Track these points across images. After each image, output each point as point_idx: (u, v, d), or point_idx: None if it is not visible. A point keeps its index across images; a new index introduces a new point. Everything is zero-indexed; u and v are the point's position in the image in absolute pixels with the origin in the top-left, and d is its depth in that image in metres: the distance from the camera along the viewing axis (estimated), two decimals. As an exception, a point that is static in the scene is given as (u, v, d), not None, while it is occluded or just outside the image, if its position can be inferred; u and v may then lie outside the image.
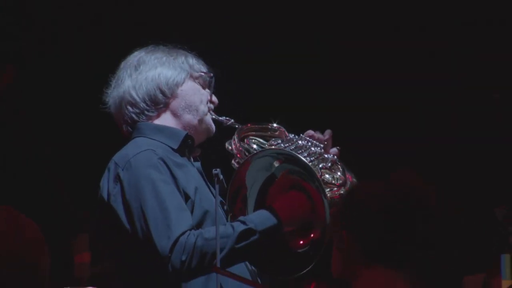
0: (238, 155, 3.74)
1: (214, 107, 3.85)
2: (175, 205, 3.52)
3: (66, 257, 5.56)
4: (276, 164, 3.68)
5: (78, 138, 5.67)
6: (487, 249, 5.01)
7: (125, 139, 3.75)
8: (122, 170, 3.59)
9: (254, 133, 3.80)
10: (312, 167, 3.64)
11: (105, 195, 3.62)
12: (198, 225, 3.58)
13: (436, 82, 6.21)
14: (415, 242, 2.66)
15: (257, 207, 3.68)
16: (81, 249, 5.52)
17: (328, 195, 3.62)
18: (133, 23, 3.87)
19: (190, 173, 3.69)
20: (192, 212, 3.60)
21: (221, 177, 3.55)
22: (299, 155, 3.64)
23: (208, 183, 3.75)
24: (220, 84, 3.87)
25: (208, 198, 3.69)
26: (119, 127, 3.80)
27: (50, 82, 5.96)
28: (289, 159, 3.65)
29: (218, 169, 3.54)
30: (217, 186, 3.48)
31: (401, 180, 2.70)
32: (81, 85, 5.44)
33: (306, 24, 6.27)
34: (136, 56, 3.81)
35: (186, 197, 3.61)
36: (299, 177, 3.64)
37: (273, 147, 3.71)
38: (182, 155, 3.72)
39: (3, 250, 2.63)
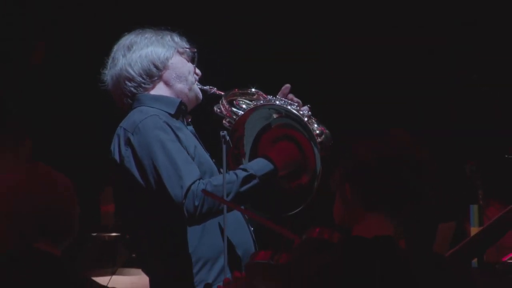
0: (228, 115, 3.79)
1: (198, 79, 3.91)
2: (183, 159, 3.57)
3: (94, 206, 5.58)
4: (274, 116, 3.74)
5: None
6: (458, 200, 5.02)
7: (123, 111, 3.80)
8: (132, 134, 3.62)
9: (238, 97, 3.85)
10: (309, 125, 3.70)
11: (117, 158, 3.66)
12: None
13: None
14: (408, 192, 2.68)
15: (252, 152, 3.76)
16: (107, 200, 5.53)
17: None
18: (133, 23, 3.87)
19: (188, 135, 3.74)
20: None
21: (227, 138, 3.60)
22: (295, 110, 3.69)
23: (202, 144, 3.80)
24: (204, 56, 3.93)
25: (204, 155, 3.74)
26: (116, 101, 3.84)
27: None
28: (285, 113, 3.72)
29: (224, 131, 3.60)
30: (224, 146, 3.56)
31: (395, 137, 2.72)
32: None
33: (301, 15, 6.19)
34: (127, 38, 3.84)
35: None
36: (291, 128, 3.71)
37: (276, 102, 3.76)
38: (177, 119, 3.76)
39: (40, 201, 2.65)
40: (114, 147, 3.68)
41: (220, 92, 3.84)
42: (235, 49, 5.82)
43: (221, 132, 3.62)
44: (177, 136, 3.62)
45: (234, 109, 3.80)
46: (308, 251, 2.75)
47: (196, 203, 3.48)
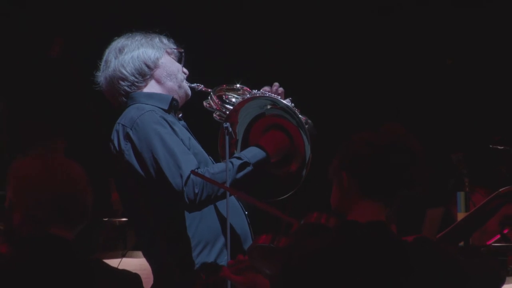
0: (218, 108, 3.81)
1: (186, 77, 3.93)
2: (181, 150, 3.59)
3: (105, 194, 5.58)
4: (268, 106, 3.78)
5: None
6: (445, 187, 5.02)
7: (117, 109, 3.82)
8: (131, 129, 3.65)
9: (225, 92, 3.88)
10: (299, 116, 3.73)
11: (115, 151, 3.67)
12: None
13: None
14: (401, 181, 2.69)
15: (243, 140, 3.80)
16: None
17: None
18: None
19: (181, 129, 3.77)
20: None
21: (230, 129, 3.62)
22: (284, 101, 3.73)
23: (194, 137, 3.83)
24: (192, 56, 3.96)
25: (198, 146, 3.76)
26: (110, 100, 3.86)
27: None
28: (277, 106, 3.75)
29: (227, 123, 3.61)
30: (226, 137, 3.59)
31: (390, 129, 2.73)
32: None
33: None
34: (119, 42, 3.87)
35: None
36: (281, 118, 3.74)
37: (267, 94, 3.78)
38: (169, 114, 3.78)
39: (56, 189, 2.66)
40: (114, 140, 3.70)
41: (207, 89, 3.87)
42: (220, 46, 5.82)
43: (224, 123, 3.65)
44: (173, 129, 3.64)
45: (224, 103, 3.82)
46: (306, 235, 2.76)
47: (196, 191, 3.50)
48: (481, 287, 2.80)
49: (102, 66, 3.85)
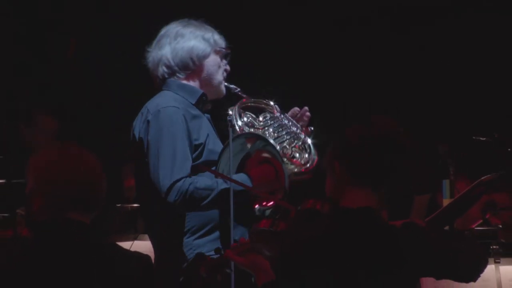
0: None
1: (226, 75, 3.88)
2: (183, 156, 3.58)
3: (117, 181, 5.59)
4: (248, 145, 3.67)
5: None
6: (432, 176, 5.04)
7: (155, 88, 3.82)
8: (152, 115, 3.64)
9: (253, 104, 3.82)
10: (278, 146, 3.66)
11: (136, 132, 3.69)
12: (206, 162, 3.64)
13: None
14: (388, 169, 2.71)
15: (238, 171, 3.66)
16: (129, 175, 5.54)
17: (294, 168, 3.70)
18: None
19: (203, 123, 3.74)
20: (202, 152, 3.66)
21: (234, 122, 3.60)
22: (270, 139, 3.66)
23: (215, 130, 3.80)
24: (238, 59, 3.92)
25: (216, 141, 3.74)
26: (152, 78, 3.84)
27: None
28: (261, 140, 3.67)
29: (231, 116, 3.60)
30: (230, 129, 3.54)
31: (378, 121, 2.75)
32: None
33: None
34: (175, 28, 3.82)
35: (198, 144, 3.66)
36: (270, 154, 3.67)
37: (250, 130, 3.71)
38: (197, 107, 3.76)
39: (72, 177, 2.67)
40: (136, 123, 3.71)
41: (242, 95, 3.82)
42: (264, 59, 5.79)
43: (227, 117, 3.63)
44: (188, 130, 3.62)
45: (237, 118, 3.76)
46: (302, 220, 2.78)
47: (175, 198, 3.49)
48: (470, 274, 2.81)
49: (154, 44, 3.82)
